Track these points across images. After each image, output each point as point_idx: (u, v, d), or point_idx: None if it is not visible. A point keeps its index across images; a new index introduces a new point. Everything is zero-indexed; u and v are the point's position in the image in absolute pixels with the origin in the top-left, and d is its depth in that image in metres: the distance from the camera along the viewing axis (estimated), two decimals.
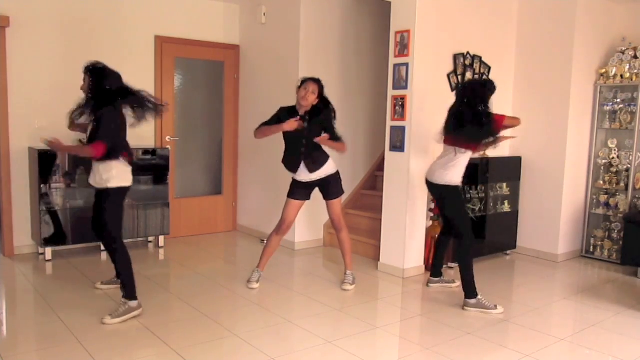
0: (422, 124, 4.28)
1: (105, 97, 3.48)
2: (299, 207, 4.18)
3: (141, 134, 5.23)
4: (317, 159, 4.05)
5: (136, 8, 5.45)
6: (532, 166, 5.44)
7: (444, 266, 4.93)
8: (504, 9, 5.36)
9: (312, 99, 3.95)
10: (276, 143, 5.84)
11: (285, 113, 4.05)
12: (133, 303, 3.56)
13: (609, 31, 5.42)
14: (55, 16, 5.00)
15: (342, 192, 4.21)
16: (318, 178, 4.08)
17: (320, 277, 4.65)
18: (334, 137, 4.05)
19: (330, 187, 4.14)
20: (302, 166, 4.04)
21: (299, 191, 4.13)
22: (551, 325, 3.72)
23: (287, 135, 4.06)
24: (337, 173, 4.17)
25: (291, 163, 4.09)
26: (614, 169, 5.31)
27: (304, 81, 4.00)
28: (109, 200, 3.58)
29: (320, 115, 4.00)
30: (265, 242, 4.37)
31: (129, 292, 3.57)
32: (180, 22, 5.75)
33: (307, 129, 3.98)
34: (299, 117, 3.96)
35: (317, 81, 3.99)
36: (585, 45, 5.19)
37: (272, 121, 4.08)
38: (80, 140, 4.98)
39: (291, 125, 3.91)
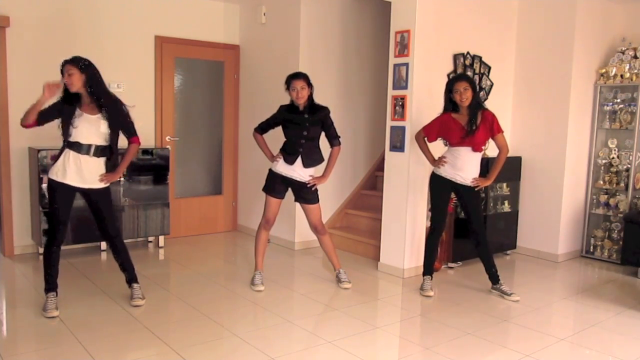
0: (422, 124, 4.27)
1: (107, 90, 3.55)
2: (279, 204, 4.24)
3: (141, 133, 5.21)
4: (314, 156, 4.11)
5: (136, 8, 5.45)
6: (532, 166, 5.44)
7: (444, 266, 4.96)
8: (503, 9, 5.35)
9: (305, 94, 3.99)
10: (276, 142, 5.85)
11: (284, 111, 4.13)
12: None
13: (609, 31, 5.41)
14: (55, 16, 5.00)
15: (318, 199, 4.22)
16: (302, 179, 4.09)
17: (320, 277, 4.65)
18: (334, 135, 4.14)
19: (310, 192, 4.15)
20: (299, 160, 4.07)
21: (278, 187, 4.16)
22: (551, 325, 3.72)
23: (287, 129, 4.13)
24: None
25: (289, 156, 4.10)
26: (614, 169, 5.31)
27: (289, 82, 4.02)
28: (109, 195, 3.72)
29: (318, 112, 4.06)
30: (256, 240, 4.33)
31: (135, 274, 3.84)
32: (180, 22, 5.74)
33: (307, 127, 4.03)
34: None
35: (300, 75, 4.01)
36: (585, 45, 5.19)
37: (272, 120, 4.21)
38: None
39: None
